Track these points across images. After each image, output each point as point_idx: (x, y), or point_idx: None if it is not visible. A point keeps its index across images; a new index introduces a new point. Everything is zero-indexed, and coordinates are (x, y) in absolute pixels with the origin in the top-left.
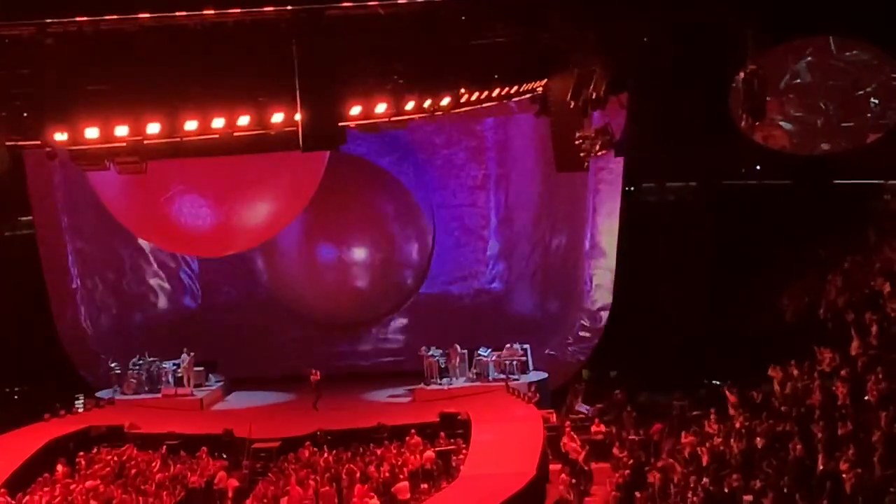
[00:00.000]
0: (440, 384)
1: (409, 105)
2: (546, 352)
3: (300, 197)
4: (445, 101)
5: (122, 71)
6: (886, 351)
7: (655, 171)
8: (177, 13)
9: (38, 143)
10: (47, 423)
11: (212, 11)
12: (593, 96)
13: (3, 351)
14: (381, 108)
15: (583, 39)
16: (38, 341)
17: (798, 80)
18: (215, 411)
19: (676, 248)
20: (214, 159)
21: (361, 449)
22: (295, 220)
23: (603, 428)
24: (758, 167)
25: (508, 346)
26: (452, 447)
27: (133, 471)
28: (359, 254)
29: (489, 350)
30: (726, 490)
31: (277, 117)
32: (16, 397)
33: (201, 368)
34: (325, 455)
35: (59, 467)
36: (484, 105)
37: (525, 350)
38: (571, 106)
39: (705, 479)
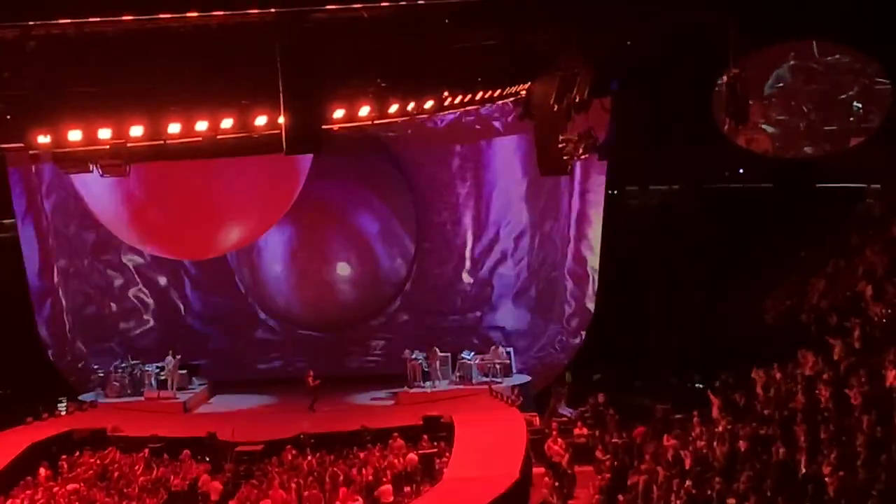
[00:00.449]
0: (423, 387)
1: (393, 108)
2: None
3: (281, 201)
4: (429, 104)
5: (105, 74)
6: (869, 354)
7: (639, 175)
8: (160, 15)
9: (21, 145)
10: (30, 427)
11: (195, 14)
12: (577, 100)
13: None
14: (364, 111)
15: (566, 43)
16: (20, 344)
17: (781, 84)
18: (198, 414)
19: (660, 251)
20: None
21: (345, 452)
22: (280, 238)
23: (586, 431)
24: (741, 170)
25: (493, 348)
26: (435, 450)
27: (116, 474)
28: (342, 269)
29: (472, 353)
30: (709, 493)
31: (261, 120)
32: None
33: (184, 371)
34: (309, 458)
35: (42, 470)
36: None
37: (508, 353)
38: (555, 109)
39: (688, 483)
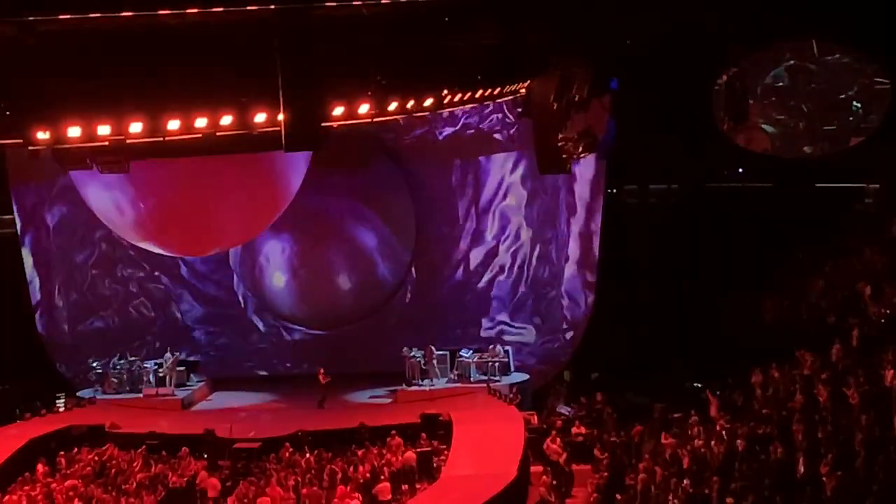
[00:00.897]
0: (421, 385)
1: (392, 106)
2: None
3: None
4: (428, 101)
5: (105, 70)
6: (867, 354)
7: (637, 174)
8: (160, 11)
9: (20, 141)
10: (28, 423)
11: (195, 10)
12: (576, 98)
13: None
14: (363, 108)
15: (566, 41)
16: (18, 340)
17: (780, 84)
18: (196, 411)
19: (658, 250)
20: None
21: (343, 449)
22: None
23: (584, 430)
24: (741, 170)
25: (491, 347)
26: (433, 448)
27: (113, 470)
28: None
29: (471, 351)
30: (707, 492)
31: (260, 117)
32: None
33: (182, 368)
34: (307, 455)
35: (40, 467)
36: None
37: (507, 352)
38: (554, 108)
39: (686, 482)
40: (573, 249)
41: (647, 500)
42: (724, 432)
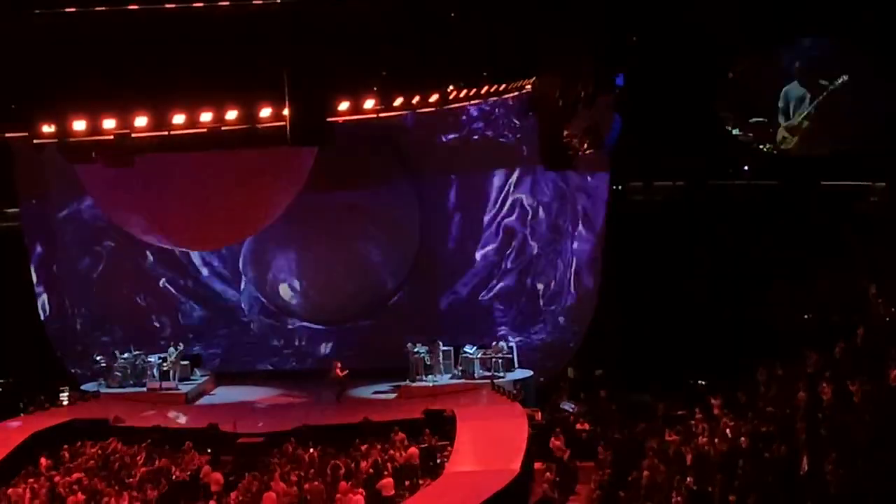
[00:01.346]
0: (425, 381)
1: (398, 101)
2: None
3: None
4: (434, 97)
5: (110, 63)
6: (872, 352)
7: (643, 171)
8: (166, 5)
9: (26, 134)
10: (31, 416)
11: (201, 4)
12: (582, 94)
13: None
14: (368, 104)
15: (572, 38)
16: (23, 333)
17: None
18: (200, 405)
19: (663, 248)
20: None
21: (347, 445)
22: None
23: (587, 426)
24: (745, 168)
25: (495, 343)
26: (437, 444)
27: (117, 464)
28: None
29: (475, 347)
30: (710, 490)
31: (265, 112)
32: (0, 390)
33: (186, 363)
34: (311, 450)
35: (43, 460)
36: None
37: (511, 348)
38: (560, 104)
39: (689, 479)
40: (578, 251)
41: (650, 497)
42: (727, 430)
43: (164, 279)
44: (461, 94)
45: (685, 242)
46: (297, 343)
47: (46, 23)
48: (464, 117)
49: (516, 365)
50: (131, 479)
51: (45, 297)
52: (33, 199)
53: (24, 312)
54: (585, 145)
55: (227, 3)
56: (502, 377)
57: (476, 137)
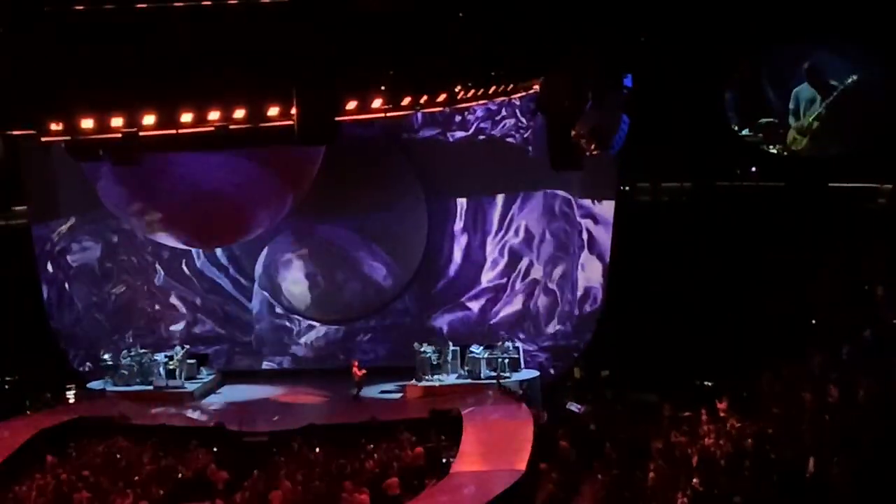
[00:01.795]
0: (432, 381)
1: (405, 100)
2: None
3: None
4: (441, 97)
5: (117, 61)
6: (879, 354)
7: (650, 171)
8: (174, 3)
9: (34, 132)
10: (37, 413)
11: (209, 2)
12: (589, 95)
13: None
14: (376, 103)
15: (580, 38)
16: (29, 331)
17: (794, 82)
18: (206, 404)
19: (670, 248)
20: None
21: (352, 444)
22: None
23: (593, 427)
24: (753, 169)
25: (500, 343)
26: (443, 444)
27: (122, 462)
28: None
29: (481, 347)
30: (716, 491)
31: (273, 111)
32: (6, 387)
33: (193, 361)
34: (316, 450)
35: (49, 458)
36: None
37: (517, 348)
38: (567, 104)
39: (695, 480)
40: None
41: (655, 498)
42: (733, 431)
43: (173, 291)
44: (469, 94)
45: (692, 243)
46: (303, 342)
47: (54, 21)
48: (470, 116)
49: (522, 365)
50: (137, 478)
51: (51, 294)
52: (40, 197)
53: (31, 310)
54: (593, 146)
55: (235, 1)
56: (508, 377)
57: (482, 137)
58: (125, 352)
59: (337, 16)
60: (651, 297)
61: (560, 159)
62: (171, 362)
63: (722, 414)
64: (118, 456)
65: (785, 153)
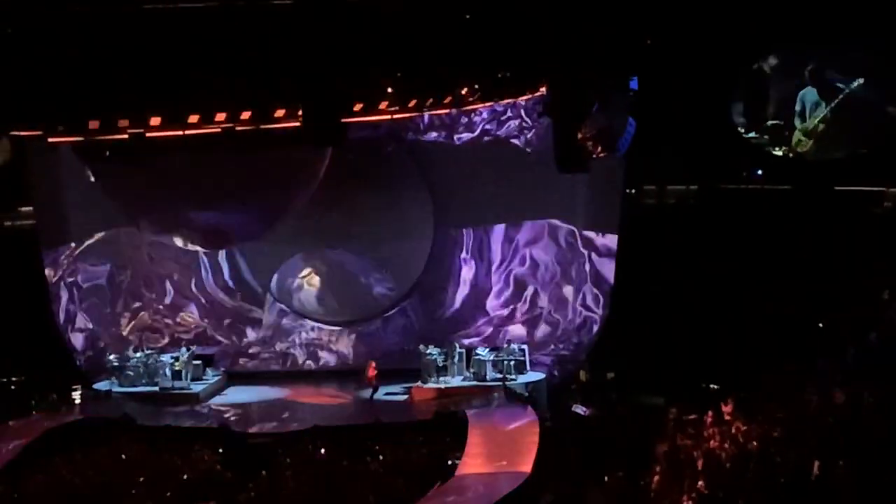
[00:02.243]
0: (437, 383)
1: (412, 102)
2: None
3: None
4: (447, 99)
5: (124, 63)
6: (884, 357)
7: (656, 174)
8: (180, 4)
9: (41, 133)
10: (43, 414)
11: (216, 2)
12: (596, 98)
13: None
14: (383, 105)
15: (586, 41)
16: (35, 332)
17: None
18: (212, 405)
19: (676, 251)
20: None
21: (358, 445)
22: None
23: (599, 429)
24: (759, 172)
25: (506, 345)
26: (448, 446)
27: (127, 463)
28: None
29: (487, 349)
30: (721, 494)
31: (280, 112)
32: (12, 388)
33: (199, 362)
34: (321, 451)
35: (55, 457)
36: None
37: (523, 350)
38: (574, 107)
39: (700, 483)
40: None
41: (660, 500)
42: (738, 434)
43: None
44: (475, 96)
45: (698, 246)
46: (309, 343)
47: (61, 22)
48: (476, 118)
49: (528, 367)
50: (142, 478)
51: (57, 295)
52: (47, 198)
53: (37, 311)
54: (599, 148)
55: (242, 2)
56: (514, 379)
57: (488, 139)
58: (131, 352)
59: (343, 17)
60: (657, 300)
61: (566, 161)
62: (176, 363)
63: (727, 417)
64: (123, 456)
65: (790, 155)
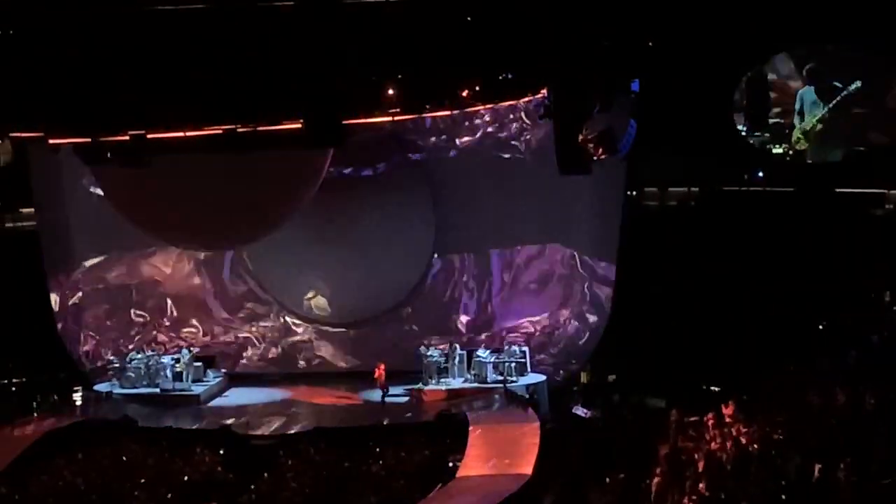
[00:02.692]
0: (438, 385)
1: (414, 105)
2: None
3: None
4: (449, 101)
5: (124, 64)
6: (886, 359)
7: (657, 176)
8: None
9: (42, 135)
10: (44, 415)
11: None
12: (597, 100)
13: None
14: (385, 107)
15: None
16: (36, 333)
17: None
18: (213, 407)
19: (677, 253)
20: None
21: (359, 447)
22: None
23: (600, 431)
24: (760, 174)
25: (507, 347)
26: (449, 447)
27: (128, 464)
28: None
29: (488, 351)
30: (722, 496)
31: (280, 114)
32: (13, 389)
33: (199, 364)
34: (323, 452)
35: (56, 459)
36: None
37: (524, 352)
38: (575, 109)
39: (701, 485)
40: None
41: (661, 502)
42: (740, 436)
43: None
44: (477, 99)
45: (699, 248)
46: (310, 345)
47: (61, 23)
48: (477, 121)
49: (529, 369)
50: (143, 480)
51: (57, 297)
52: (48, 199)
53: (38, 312)
54: (600, 150)
55: (243, 3)
56: (515, 381)
57: (489, 141)
58: (132, 354)
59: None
60: (658, 301)
61: (568, 164)
62: (177, 365)
63: (728, 419)
64: (125, 458)
65: (791, 154)
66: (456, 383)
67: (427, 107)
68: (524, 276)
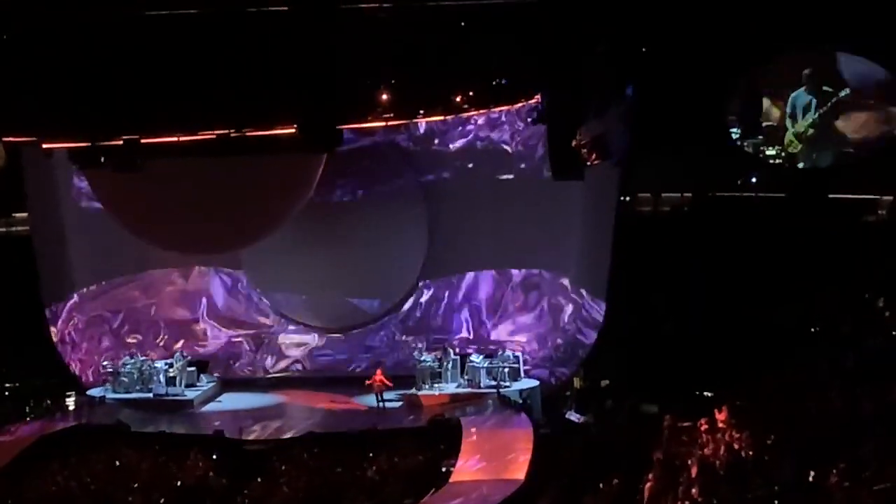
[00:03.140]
0: (431, 390)
1: (407, 109)
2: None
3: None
4: (442, 106)
5: (119, 68)
6: (880, 364)
7: (651, 181)
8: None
9: (35, 139)
10: (38, 421)
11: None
12: (591, 105)
13: None
14: (378, 111)
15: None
16: (29, 339)
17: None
18: (206, 412)
19: (670, 259)
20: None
21: (352, 452)
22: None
23: (594, 436)
24: (753, 179)
25: (501, 352)
26: (442, 452)
27: (122, 469)
28: None
29: (481, 356)
30: (715, 501)
31: (275, 119)
32: (6, 394)
33: (193, 369)
34: (316, 457)
35: (50, 464)
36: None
37: (517, 357)
38: (569, 114)
39: (694, 490)
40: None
41: None
42: (733, 441)
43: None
44: (470, 104)
45: (693, 254)
46: (303, 349)
47: (57, 27)
48: (470, 125)
49: (522, 374)
50: (136, 485)
51: (51, 302)
52: (42, 204)
53: (31, 317)
54: (594, 156)
55: (238, 9)
56: (508, 386)
57: (482, 146)
58: (125, 359)
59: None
60: (651, 307)
61: (561, 169)
62: (171, 370)
63: (721, 424)
64: (118, 463)
65: (783, 157)
66: (449, 388)
67: (421, 112)
68: (517, 293)
